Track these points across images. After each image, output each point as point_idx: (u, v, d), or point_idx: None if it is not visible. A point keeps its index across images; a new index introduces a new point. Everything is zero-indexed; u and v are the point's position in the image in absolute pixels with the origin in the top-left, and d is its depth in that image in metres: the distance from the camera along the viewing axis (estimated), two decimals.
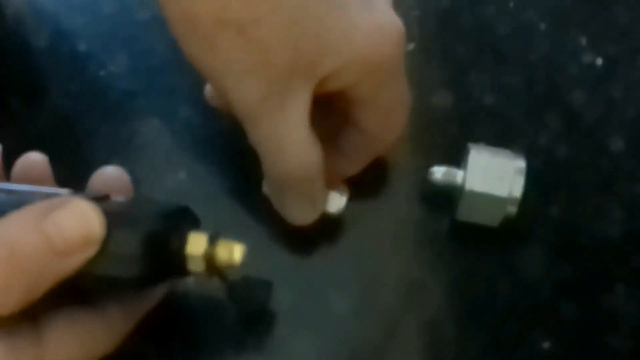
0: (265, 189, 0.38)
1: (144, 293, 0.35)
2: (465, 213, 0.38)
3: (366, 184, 0.40)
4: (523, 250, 0.39)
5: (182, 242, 0.32)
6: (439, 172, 0.38)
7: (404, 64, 0.36)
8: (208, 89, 0.40)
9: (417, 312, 0.38)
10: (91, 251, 0.30)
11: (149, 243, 0.30)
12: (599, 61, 0.44)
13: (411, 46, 0.43)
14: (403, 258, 0.39)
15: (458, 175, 0.38)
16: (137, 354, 0.37)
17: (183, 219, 0.33)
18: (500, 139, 0.40)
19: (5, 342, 0.30)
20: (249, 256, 0.33)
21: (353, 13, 0.33)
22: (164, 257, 0.31)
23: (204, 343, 0.37)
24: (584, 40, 0.44)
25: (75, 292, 0.32)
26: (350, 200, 0.38)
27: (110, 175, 0.36)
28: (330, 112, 0.36)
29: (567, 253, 0.39)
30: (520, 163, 0.38)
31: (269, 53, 0.32)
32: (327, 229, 0.39)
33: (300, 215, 0.37)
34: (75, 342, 0.32)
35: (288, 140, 0.34)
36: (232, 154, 0.41)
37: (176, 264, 0.32)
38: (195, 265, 0.32)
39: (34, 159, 0.36)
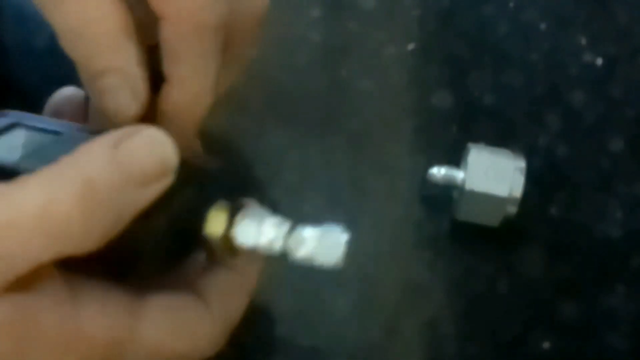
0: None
1: (243, 282, 0.32)
2: (465, 213, 0.38)
3: (366, 184, 0.40)
4: (523, 250, 0.39)
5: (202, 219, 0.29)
6: (439, 172, 0.38)
7: None
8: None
9: (417, 312, 0.38)
10: (167, 180, 0.28)
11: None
12: (599, 61, 0.43)
13: (411, 46, 0.43)
14: (403, 258, 0.39)
15: (458, 175, 0.38)
16: None
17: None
18: (500, 139, 0.40)
19: (97, 298, 0.28)
20: None
21: None
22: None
23: None
24: (584, 40, 0.44)
25: (175, 278, 0.30)
26: (350, 201, 0.38)
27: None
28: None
29: (567, 253, 0.39)
30: (520, 163, 0.38)
31: None
32: None
33: (116, 102, 0.31)
34: (174, 327, 0.29)
35: None
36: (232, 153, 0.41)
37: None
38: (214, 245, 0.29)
39: (67, 95, 0.35)
